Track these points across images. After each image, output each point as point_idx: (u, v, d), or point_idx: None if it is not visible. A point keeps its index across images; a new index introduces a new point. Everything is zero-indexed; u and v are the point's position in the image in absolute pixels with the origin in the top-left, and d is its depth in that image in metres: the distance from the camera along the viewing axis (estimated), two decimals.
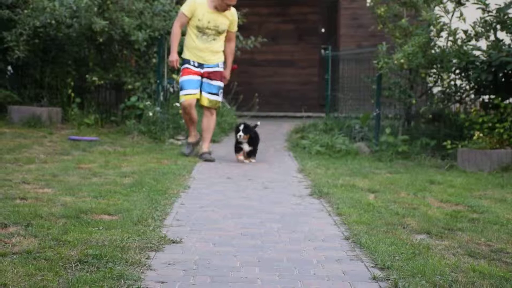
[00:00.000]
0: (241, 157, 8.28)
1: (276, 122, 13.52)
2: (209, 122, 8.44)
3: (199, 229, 4.57)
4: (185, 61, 8.36)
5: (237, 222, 4.85)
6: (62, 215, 4.61)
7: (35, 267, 3.36)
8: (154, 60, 11.33)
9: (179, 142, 9.95)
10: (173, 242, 4.13)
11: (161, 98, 10.80)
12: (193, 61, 8.28)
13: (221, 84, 8.38)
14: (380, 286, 3.37)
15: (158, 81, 10.76)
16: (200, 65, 8.30)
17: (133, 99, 10.69)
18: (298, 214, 5.20)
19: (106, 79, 11.20)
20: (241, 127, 8.20)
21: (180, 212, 5.10)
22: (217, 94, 8.34)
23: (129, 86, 10.91)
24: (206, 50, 8.30)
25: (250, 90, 15.22)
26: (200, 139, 8.63)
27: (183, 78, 8.29)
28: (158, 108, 10.40)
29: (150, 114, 10.21)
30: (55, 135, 9.64)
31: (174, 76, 11.40)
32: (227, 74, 8.57)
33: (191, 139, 8.66)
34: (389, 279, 3.44)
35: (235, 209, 5.34)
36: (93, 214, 4.75)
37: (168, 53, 10.41)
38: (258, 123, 8.73)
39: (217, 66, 8.35)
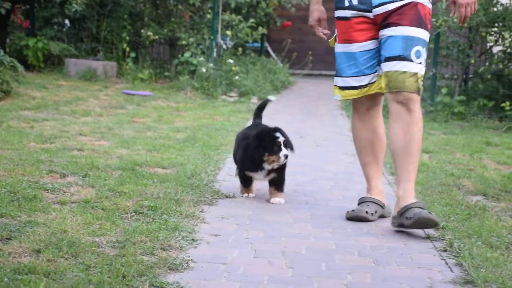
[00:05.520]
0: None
1: (329, 81, 13.39)
2: (408, 131, 3.61)
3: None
4: (336, 3, 3.84)
5: (290, 179, 4.84)
6: (118, 167, 4.69)
7: (93, 216, 3.44)
8: (208, 16, 11.31)
9: (232, 99, 9.98)
10: (226, 197, 4.16)
11: (215, 54, 10.80)
12: None
13: (420, 33, 3.60)
14: (434, 245, 3.34)
15: (212, 37, 10.75)
16: (365, 2, 3.71)
17: (187, 54, 10.73)
18: (351, 173, 5.16)
19: (161, 34, 11.25)
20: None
21: (233, 168, 5.11)
22: (408, 59, 3.58)
23: (183, 42, 10.94)
24: None
25: (304, 48, 15.06)
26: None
27: (337, 49, 3.87)
28: (211, 65, 10.41)
29: (204, 70, 10.24)
30: (110, 89, 9.77)
31: (228, 32, 11.35)
32: None
33: (373, 193, 3.92)
34: (444, 239, 3.40)
35: (288, 166, 5.32)
36: (148, 167, 4.81)
37: (225, 9, 10.22)
38: (272, 98, 5.01)
39: None
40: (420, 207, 3.50)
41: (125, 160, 4.95)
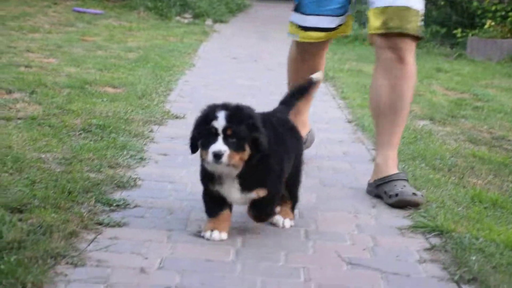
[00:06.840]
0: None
1: (285, 5, 13.25)
2: (397, 87, 2.92)
3: (202, 106, 4.55)
4: None
5: (241, 102, 4.84)
6: (67, 85, 4.60)
7: (40, 133, 3.39)
8: None
9: (186, 21, 9.81)
10: (176, 118, 4.14)
11: None
12: None
13: None
14: None
15: None
16: None
17: None
18: None
19: None
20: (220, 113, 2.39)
21: (184, 89, 5.09)
22: None
23: None
24: None
25: None
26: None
27: None
28: None
29: None
30: (60, 6, 9.49)
31: None
32: None
33: None
34: None
35: (239, 89, 5.32)
36: (98, 85, 4.74)
37: None
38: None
39: None
40: (402, 179, 2.89)
41: (74, 78, 4.86)
